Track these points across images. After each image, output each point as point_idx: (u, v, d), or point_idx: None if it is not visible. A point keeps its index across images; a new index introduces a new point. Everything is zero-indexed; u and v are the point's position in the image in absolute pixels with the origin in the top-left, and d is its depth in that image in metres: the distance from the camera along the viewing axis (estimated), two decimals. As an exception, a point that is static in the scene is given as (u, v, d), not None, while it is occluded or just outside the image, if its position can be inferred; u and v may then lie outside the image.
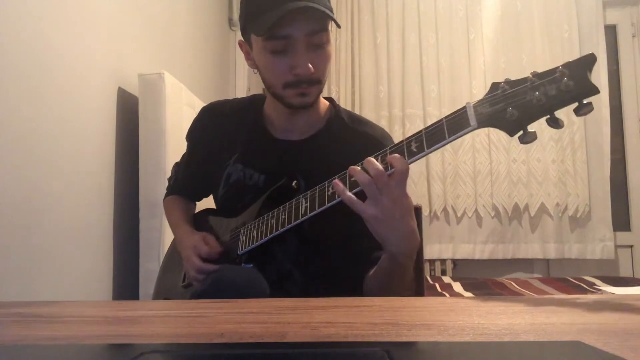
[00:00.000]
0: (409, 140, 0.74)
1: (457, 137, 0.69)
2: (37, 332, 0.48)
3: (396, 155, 0.72)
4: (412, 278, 0.92)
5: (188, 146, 1.14)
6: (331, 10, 0.90)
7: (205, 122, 1.08)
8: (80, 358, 0.38)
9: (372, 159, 0.73)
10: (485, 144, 2.74)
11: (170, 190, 1.19)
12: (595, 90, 0.59)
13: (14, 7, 1.12)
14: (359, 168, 0.74)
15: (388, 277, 0.84)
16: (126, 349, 0.40)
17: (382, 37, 2.85)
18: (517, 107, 0.64)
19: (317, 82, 0.90)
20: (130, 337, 0.44)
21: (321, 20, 0.86)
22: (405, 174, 0.72)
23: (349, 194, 0.74)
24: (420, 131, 0.73)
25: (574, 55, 2.70)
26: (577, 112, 0.61)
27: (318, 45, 0.88)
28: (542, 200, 2.69)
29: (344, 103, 2.82)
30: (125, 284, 1.56)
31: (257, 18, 0.87)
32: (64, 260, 1.28)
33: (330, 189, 0.81)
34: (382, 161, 0.74)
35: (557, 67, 0.62)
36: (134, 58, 1.67)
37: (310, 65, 0.87)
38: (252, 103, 1.06)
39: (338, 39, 2.88)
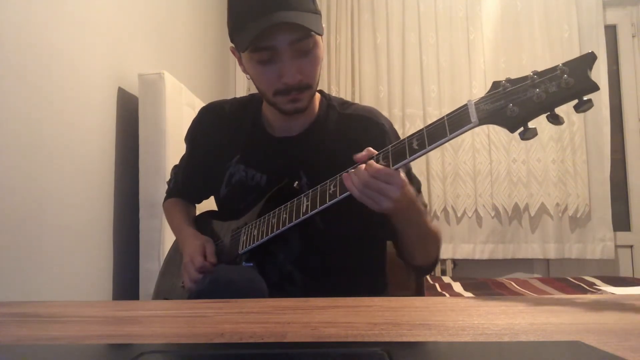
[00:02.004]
0: (410, 137, 0.75)
1: (459, 134, 0.70)
2: (37, 332, 0.48)
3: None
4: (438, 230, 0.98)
5: (187, 148, 1.13)
6: (315, 12, 0.88)
7: (205, 122, 1.08)
8: (80, 358, 0.38)
9: (372, 162, 0.77)
10: (485, 144, 2.74)
11: (170, 193, 1.19)
12: (595, 87, 0.60)
13: (15, 7, 1.12)
14: (363, 171, 0.77)
15: (420, 244, 0.93)
16: (126, 349, 0.40)
17: (382, 37, 2.85)
18: (517, 104, 0.65)
19: (307, 87, 0.90)
20: (130, 337, 0.44)
21: (304, 27, 0.85)
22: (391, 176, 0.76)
23: (359, 192, 0.77)
24: (422, 129, 0.74)
25: (574, 55, 2.66)
26: (577, 108, 0.62)
27: (305, 52, 0.87)
28: (542, 200, 2.69)
29: (344, 103, 2.81)
30: (125, 284, 1.56)
31: (239, 31, 0.87)
32: (64, 260, 1.28)
33: (331, 187, 0.81)
34: (384, 158, 0.78)
35: (558, 65, 0.63)
36: (134, 58, 1.67)
37: (297, 73, 0.86)
38: (251, 103, 1.06)
39: (338, 39, 2.88)
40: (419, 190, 1.00)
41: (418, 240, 0.92)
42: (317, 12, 0.88)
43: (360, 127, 0.98)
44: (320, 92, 1.05)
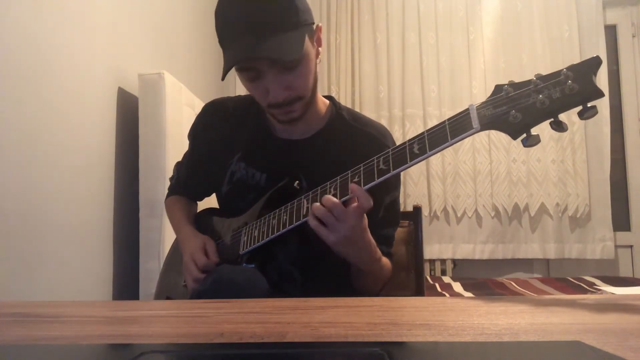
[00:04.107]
0: (411, 142, 0.74)
1: (460, 140, 0.69)
2: (37, 332, 0.48)
3: (362, 190, 0.76)
4: (389, 269, 1.00)
5: (190, 144, 1.13)
6: (298, 26, 0.83)
7: (208, 119, 1.08)
8: (80, 358, 0.38)
9: (329, 196, 0.78)
10: (486, 144, 2.74)
11: (172, 190, 1.19)
12: (600, 94, 0.59)
13: (15, 7, 1.12)
14: (317, 204, 0.78)
15: (361, 277, 0.93)
16: (126, 349, 0.40)
17: (382, 37, 2.85)
18: (520, 110, 0.64)
19: (298, 99, 0.89)
20: (130, 337, 0.44)
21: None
22: (366, 209, 0.77)
23: (315, 221, 0.79)
24: (423, 133, 0.73)
25: (574, 55, 2.70)
26: (581, 115, 0.61)
27: (291, 68, 0.85)
28: (542, 200, 2.69)
29: (344, 103, 2.77)
30: (125, 284, 1.56)
31: (223, 50, 0.87)
32: (64, 260, 1.28)
33: (331, 189, 0.81)
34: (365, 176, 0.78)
35: (562, 70, 0.61)
36: (134, 58, 1.67)
37: (284, 90, 0.85)
38: (255, 101, 1.06)
39: (338, 39, 2.88)
40: (394, 224, 1.03)
41: (361, 273, 0.93)
42: (300, 26, 0.84)
43: (366, 144, 0.97)
44: (331, 98, 1.05)
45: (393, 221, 1.03)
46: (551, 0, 2.76)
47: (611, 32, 2.89)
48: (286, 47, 0.81)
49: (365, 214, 0.79)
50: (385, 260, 0.96)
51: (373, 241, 0.86)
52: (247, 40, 0.81)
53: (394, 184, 1.02)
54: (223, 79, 0.85)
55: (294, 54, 0.82)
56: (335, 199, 0.77)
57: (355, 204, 0.77)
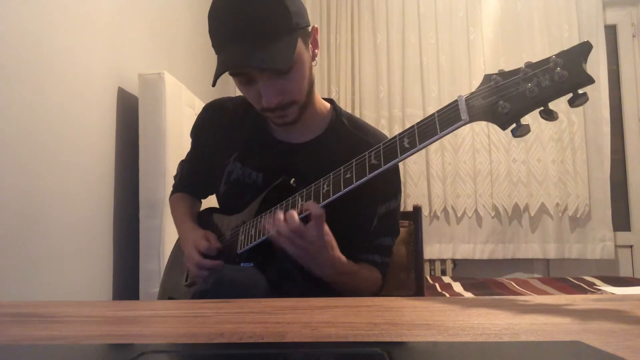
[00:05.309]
0: (401, 136, 0.74)
1: (449, 132, 0.68)
2: (37, 332, 0.48)
3: (311, 202, 0.79)
4: (373, 280, 0.98)
5: (192, 143, 1.14)
6: (289, 31, 0.82)
7: (208, 119, 1.08)
8: (80, 358, 0.38)
9: (293, 211, 0.80)
10: (485, 144, 2.74)
11: (176, 188, 1.20)
12: (590, 80, 0.57)
13: (15, 7, 1.12)
14: (281, 219, 0.80)
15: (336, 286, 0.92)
16: (126, 349, 0.40)
17: (382, 37, 2.85)
18: (509, 99, 0.62)
19: (291, 104, 0.88)
20: (130, 337, 0.44)
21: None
22: (320, 217, 0.78)
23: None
24: (413, 126, 0.73)
25: (574, 55, 2.69)
26: (572, 102, 0.59)
27: (284, 73, 0.83)
28: (542, 200, 2.69)
29: (344, 103, 2.82)
30: (125, 284, 1.56)
31: (217, 57, 0.86)
32: (64, 260, 1.28)
33: (325, 186, 0.81)
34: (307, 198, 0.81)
35: (551, 57, 0.60)
36: (134, 58, 1.67)
37: (277, 94, 0.85)
38: None
39: (338, 39, 2.88)
40: (391, 233, 1.01)
41: (339, 285, 0.92)
42: (293, 30, 0.82)
43: (363, 152, 0.97)
44: (332, 102, 1.05)
45: (389, 231, 1.01)
46: (551, 0, 2.76)
47: (611, 32, 2.89)
48: (277, 56, 0.80)
49: (328, 230, 0.82)
50: (366, 272, 0.96)
51: (341, 258, 0.87)
52: (237, 47, 0.80)
53: (391, 192, 1.01)
54: (214, 85, 0.85)
55: (285, 63, 0.81)
56: (296, 215, 0.80)
57: (312, 221, 0.78)
